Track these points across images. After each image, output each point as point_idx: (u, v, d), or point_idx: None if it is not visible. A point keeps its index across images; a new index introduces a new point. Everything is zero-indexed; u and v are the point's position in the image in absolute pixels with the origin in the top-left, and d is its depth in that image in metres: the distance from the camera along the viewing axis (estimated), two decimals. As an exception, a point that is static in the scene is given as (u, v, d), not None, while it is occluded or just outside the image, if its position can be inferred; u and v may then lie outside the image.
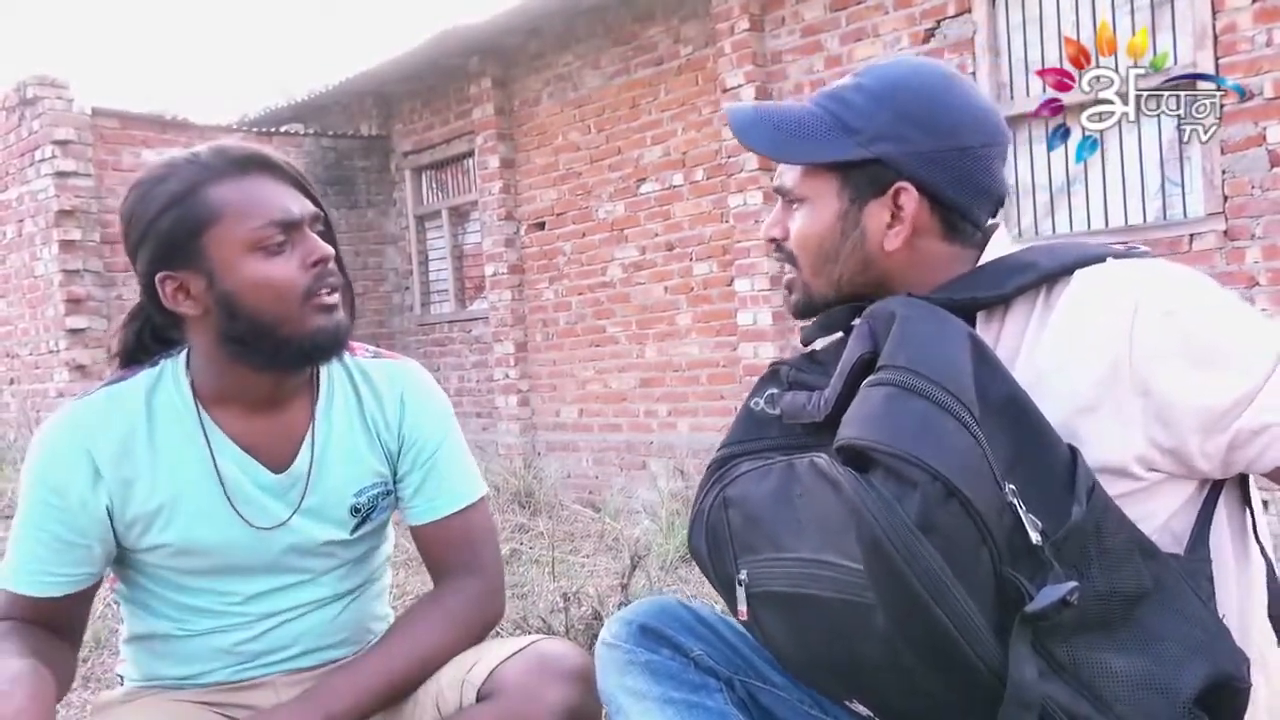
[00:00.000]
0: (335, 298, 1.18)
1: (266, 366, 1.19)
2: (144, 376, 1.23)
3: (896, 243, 1.04)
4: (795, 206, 1.09)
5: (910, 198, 1.02)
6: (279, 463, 1.25)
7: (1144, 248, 1.03)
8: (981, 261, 1.04)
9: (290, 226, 1.15)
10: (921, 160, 1.02)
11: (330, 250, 1.18)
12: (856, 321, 1.03)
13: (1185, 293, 0.94)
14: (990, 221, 1.08)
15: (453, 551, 1.30)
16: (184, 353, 1.24)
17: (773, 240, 1.12)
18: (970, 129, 1.03)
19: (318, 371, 1.28)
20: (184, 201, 1.13)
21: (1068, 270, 0.98)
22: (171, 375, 1.23)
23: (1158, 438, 0.92)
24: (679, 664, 1.12)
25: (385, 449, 1.30)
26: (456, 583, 1.28)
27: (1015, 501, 0.86)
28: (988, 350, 0.95)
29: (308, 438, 1.26)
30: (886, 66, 1.08)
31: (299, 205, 1.17)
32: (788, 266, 1.12)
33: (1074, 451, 0.91)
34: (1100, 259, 0.98)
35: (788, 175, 1.09)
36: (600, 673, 1.15)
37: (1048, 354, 0.96)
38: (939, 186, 1.03)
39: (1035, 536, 0.85)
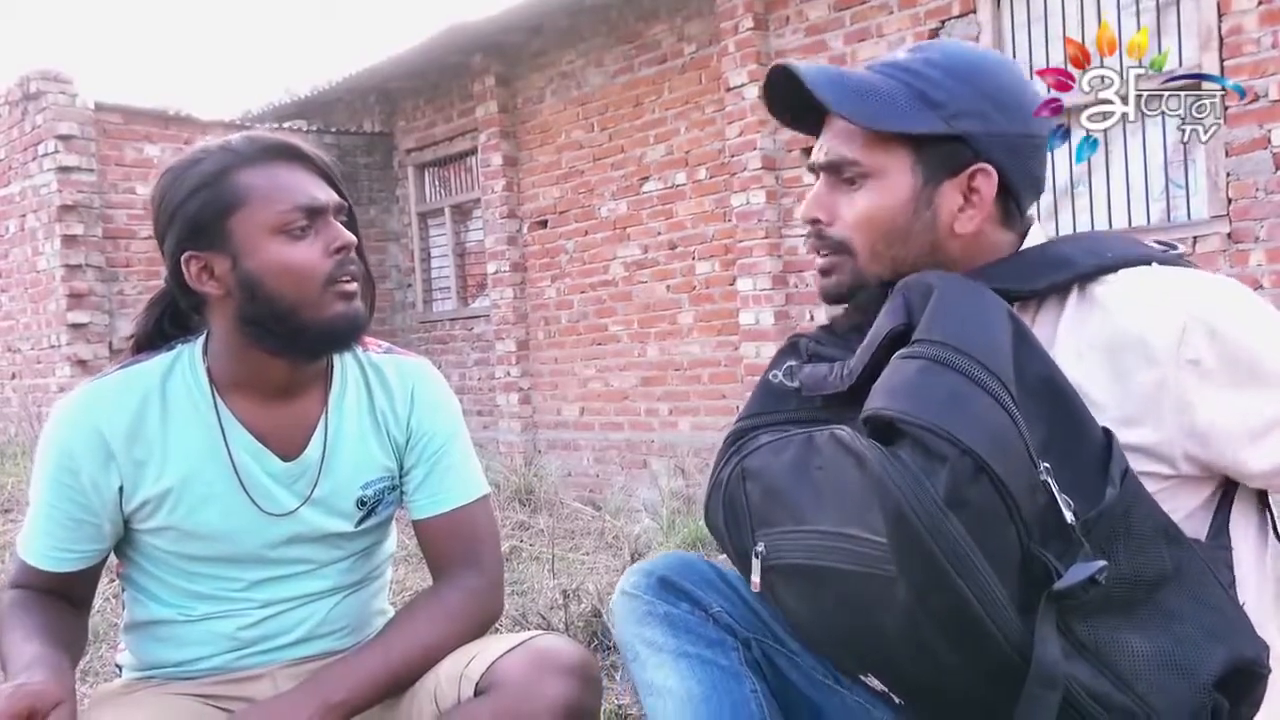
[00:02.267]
0: (355, 286, 1.20)
1: (283, 351, 1.21)
2: (160, 360, 1.25)
3: (970, 226, 1.01)
4: (855, 184, 1.03)
5: (990, 181, 1.00)
6: (290, 451, 1.26)
7: (1182, 247, 1.02)
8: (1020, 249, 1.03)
9: (314, 213, 1.18)
10: (1001, 143, 1.00)
11: (352, 238, 1.20)
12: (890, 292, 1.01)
13: (1233, 311, 0.92)
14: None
15: (453, 547, 1.30)
16: (202, 338, 1.26)
17: (816, 221, 1.06)
18: (1037, 117, 1.03)
19: (331, 362, 1.29)
20: (213, 184, 1.16)
21: (1105, 269, 0.96)
22: (188, 359, 1.25)
23: (1195, 453, 0.92)
24: (697, 619, 1.12)
25: (393, 443, 1.32)
26: (456, 579, 1.28)
27: (1049, 480, 0.85)
28: (1026, 329, 0.94)
29: (320, 427, 1.27)
30: (950, 45, 1.06)
31: (324, 194, 1.20)
32: (827, 255, 1.07)
33: (1109, 434, 0.90)
34: (1145, 261, 0.96)
35: (846, 147, 1.02)
36: (618, 621, 1.16)
37: (1088, 361, 0.94)
38: (1009, 171, 1.01)
39: (1069, 516, 0.85)
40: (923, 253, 1.02)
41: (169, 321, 1.29)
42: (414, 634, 1.22)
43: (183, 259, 1.18)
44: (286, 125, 8.16)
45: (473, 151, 7.59)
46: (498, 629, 2.60)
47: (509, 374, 7.25)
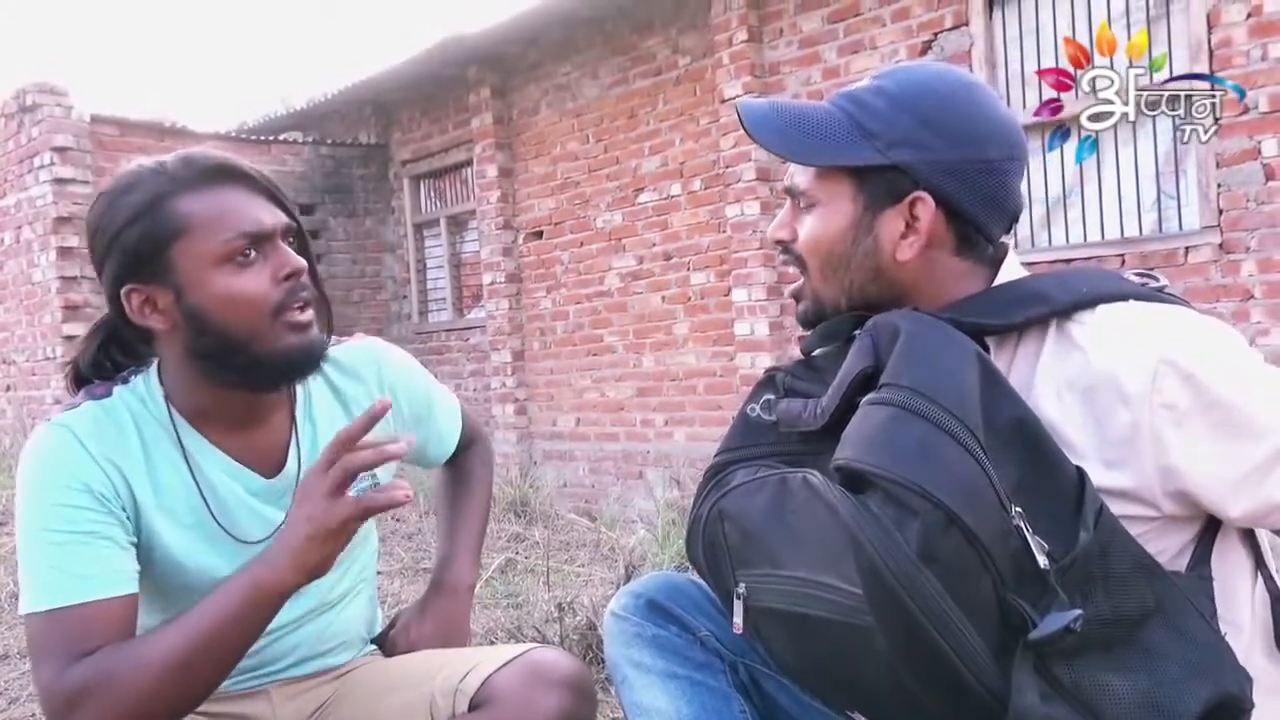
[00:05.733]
0: (308, 314, 1.15)
1: (239, 384, 1.16)
2: (119, 393, 1.18)
3: (910, 254, 1.01)
4: (806, 209, 1.06)
5: (926, 208, 0.99)
6: (268, 470, 1.23)
7: (1163, 279, 1.01)
8: (996, 283, 1.02)
9: (261, 239, 1.11)
10: (941, 170, 0.99)
11: (303, 263, 1.14)
12: (858, 332, 1.01)
13: (1209, 355, 0.90)
14: (1003, 239, 1.06)
15: (461, 443, 1.49)
16: (154, 367, 1.20)
17: (780, 242, 1.10)
18: (993, 140, 1.00)
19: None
20: (151, 213, 1.09)
21: (1081, 305, 0.95)
22: (145, 391, 1.19)
23: (1176, 492, 0.91)
24: (685, 641, 1.14)
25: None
26: (469, 449, 1.52)
27: (1022, 525, 0.85)
28: (996, 371, 0.93)
29: (293, 445, 1.24)
30: (908, 70, 1.04)
31: (270, 216, 1.13)
32: (795, 273, 1.10)
33: (1081, 474, 0.89)
34: (1122, 297, 0.95)
35: (800, 176, 1.06)
36: (607, 642, 1.18)
37: (1067, 403, 0.94)
38: (957, 198, 0.99)
39: (1043, 561, 0.84)
40: (867, 279, 1.03)
41: (117, 350, 1.22)
42: (481, 489, 1.49)
43: (123, 292, 1.11)
44: (282, 137, 8.17)
45: (468, 163, 7.60)
46: (492, 641, 2.60)
47: (505, 385, 7.25)
